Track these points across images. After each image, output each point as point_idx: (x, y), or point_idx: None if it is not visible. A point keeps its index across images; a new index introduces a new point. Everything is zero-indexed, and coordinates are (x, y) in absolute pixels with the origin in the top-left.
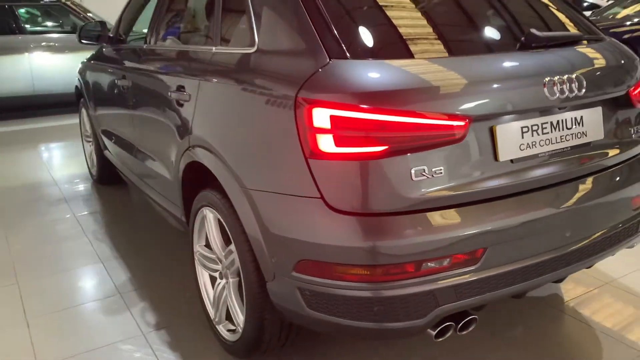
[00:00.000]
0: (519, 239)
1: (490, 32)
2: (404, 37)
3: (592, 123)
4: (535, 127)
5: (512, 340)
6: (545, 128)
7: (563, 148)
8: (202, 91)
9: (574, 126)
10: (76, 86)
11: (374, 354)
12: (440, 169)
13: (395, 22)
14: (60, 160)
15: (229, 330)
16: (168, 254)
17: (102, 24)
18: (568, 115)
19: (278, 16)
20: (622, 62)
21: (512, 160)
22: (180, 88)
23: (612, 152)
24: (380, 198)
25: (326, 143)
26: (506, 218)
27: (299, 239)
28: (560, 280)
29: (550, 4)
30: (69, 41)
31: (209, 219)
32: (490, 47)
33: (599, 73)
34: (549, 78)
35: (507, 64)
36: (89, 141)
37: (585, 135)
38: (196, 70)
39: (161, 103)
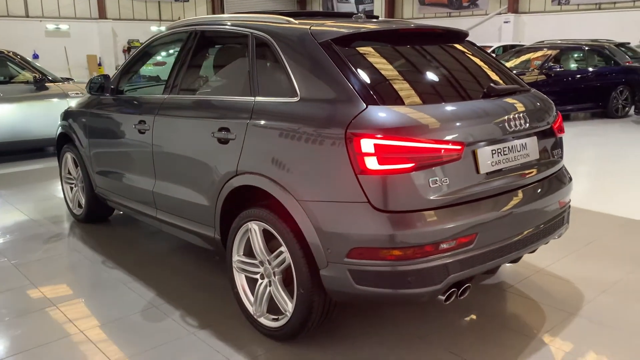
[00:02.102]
0: (496, 227)
1: (468, 86)
2: (415, 89)
3: (531, 147)
4: (499, 150)
5: (478, 314)
6: (505, 151)
7: (516, 165)
8: (250, 131)
9: (521, 150)
10: (61, 133)
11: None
12: (446, 179)
13: (406, 78)
14: (33, 204)
15: (273, 320)
16: (181, 271)
17: (106, 77)
18: (517, 142)
19: (316, 74)
20: (545, 105)
21: (487, 173)
22: (224, 129)
23: (544, 168)
24: (409, 200)
25: (371, 163)
26: (487, 212)
27: (352, 232)
28: (516, 261)
29: (497, 67)
30: (8, 91)
31: (254, 231)
32: (468, 96)
33: (533, 113)
34: (507, 116)
35: (482, 107)
36: (71, 183)
37: (529, 156)
38: (240, 115)
39: (198, 142)
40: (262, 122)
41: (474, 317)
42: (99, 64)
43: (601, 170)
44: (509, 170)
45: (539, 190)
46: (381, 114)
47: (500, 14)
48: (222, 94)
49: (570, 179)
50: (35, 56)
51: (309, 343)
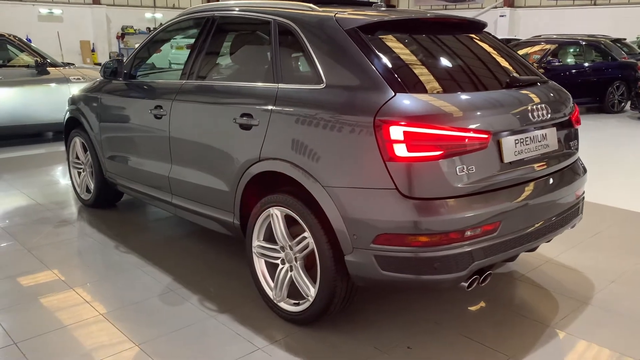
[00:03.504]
0: (518, 215)
1: (490, 76)
2: (441, 78)
3: (551, 138)
4: (522, 140)
5: (491, 301)
6: (527, 141)
7: (536, 155)
8: (274, 117)
9: (542, 140)
10: (69, 117)
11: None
12: (472, 167)
13: (431, 67)
14: (39, 188)
15: (294, 304)
16: (196, 255)
17: (119, 61)
18: (538, 133)
19: (343, 61)
20: (563, 96)
21: (510, 163)
22: (246, 115)
23: (562, 159)
24: (437, 187)
25: (400, 150)
26: (510, 201)
27: (379, 219)
28: (533, 250)
29: (515, 58)
30: (9, 75)
31: (276, 216)
32: (491, 85)
33: (553, 104)
34: (530, 107)
35: (506, 97)
36: (79, 168)
37: (548, 147)
38: (264, 102)
39: (218, 127)
40: (287, 108)
41: (488, 304)
42: (92, 50)
43: (601, 165)
44: (530, 160)
45: (558, 180)
46: (410, 101)
47: (496, 7)
48: (243, 81)
49: (585, 170)
50: (28, 41)
51: (329, 327)
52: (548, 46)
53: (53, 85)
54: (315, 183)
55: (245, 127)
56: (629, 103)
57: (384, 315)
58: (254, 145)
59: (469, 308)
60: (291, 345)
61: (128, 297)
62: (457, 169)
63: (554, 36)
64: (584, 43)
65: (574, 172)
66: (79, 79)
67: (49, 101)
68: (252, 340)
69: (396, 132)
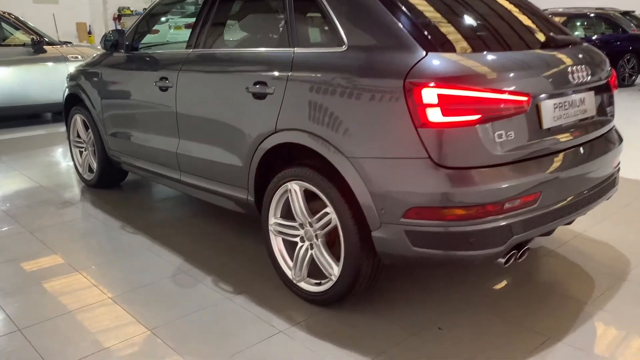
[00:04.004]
0: (558, 185)
1: (525, 35)
2: (473, 36)
3: (589, 103)
4: (560, 104)
5: (520, 278)
6: (566, 105)
7: (575, 121)
8: (290, 85)
9: (580, 105)
10: (69, 94)
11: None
12: (511, 133)
13: (463, 25)
14: (39, 169)
15: (315, 284)
16: (206, 235)
17: (120, 32)
18: (576, 97)
19: (366, 19)
20: (601, 59)
21: (549, 129)
22: (260, 83)
23: (599, 125)
24: (474, 155)
25: (434, 115)
26: (550, 170)
27: (409, 191)
28: (570, 223)
29: (547, 18)
30: (4, 54)
31: (295, 191)
32: (527, 45)
33: (591, 66)
34: (568, 68)
35: (544, 57)
36: (81, 147)
37: (586, 112)
38: (279, 68)
39: (229, 97)
40: (305, 74)
41: (518, 282)
42: (89, 32)
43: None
44: (568, 127)
45: (596, 149)
46: (443, 61)
47: None
48: (256, 46)
49: (621, 139)
50: None
51: (353, 308)
52: (557, 19)
53: (50, 64)
54: (338, 154)
55: (259, 96)
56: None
57: (410, 294)
58: (269, 116)
59: (498, 286)
60: (314, 327)
61: (137, 280)
62: (496, 135)
63: (561, 9)
64: (593, 15)
65: (610, 141)
66: (76, 57)
67: (47, 81)
68: (271, 322)
69: (429, 95)
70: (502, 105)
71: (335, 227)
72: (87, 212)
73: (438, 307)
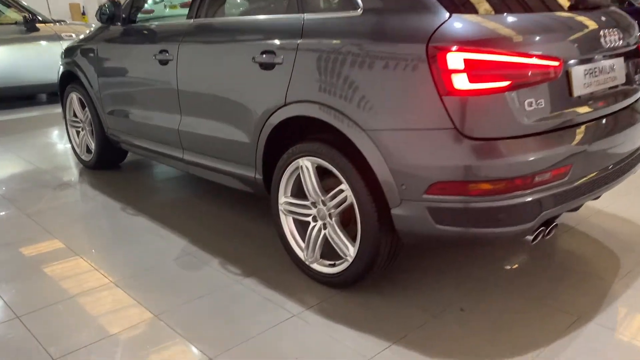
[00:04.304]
0: (588, 158)
1: None
2: None
3: (619, 69)
4: (591, 71)
5: (541, 254)
6: (596, 72)
7: (604, 88)
8: (301, 53)
9: (610, 72)
10: (64, 72)
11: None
12: (541, 102)
13: None
14: (35, 151)
15: (329, 266)
16: (211, 216)
17: (116, 4)
18: (606, 63)
19: None
20: (630, 23)
21: (579, 97)
22: (267, 53)
23: (630, 94)
24: (502, 125)
25: (460, 82)
26: (581, 141)
27: (433, 165)
28: (597, 197)
29: None
30: None
31: (306, 168)
32: (555, 7)
33: (621, 31)
34: (599, 32)
35: (573, 20)
36: (78, 127)
37: (616, 79)
38: (288, 35)
39: (234, 69)
40: (316, 41)
41: (540, 260)
42: (83, 13)
43: None
44: (598, 95)
45: (626, 119)
46: (468, 23)
47: None
48: (262, 13)
49: None
50: None
51: (369, 290)
52: None
53: (44, 43)
54: (355, 127)
55: (267, 67)
56: None
57: (427, 274)
58: (278, 88)
59: (518, 264)
60: (329, 310)
61: (140, 263)
62: (526, 103)
63: None
64: None
65: (638, 111)
66: (71, 36)
67: (40, 60)
68: (284, 306)
69: (455, 60)
70: (532, 71)
71: (351, 205)
72: (85, 195)
73: (458, 287)
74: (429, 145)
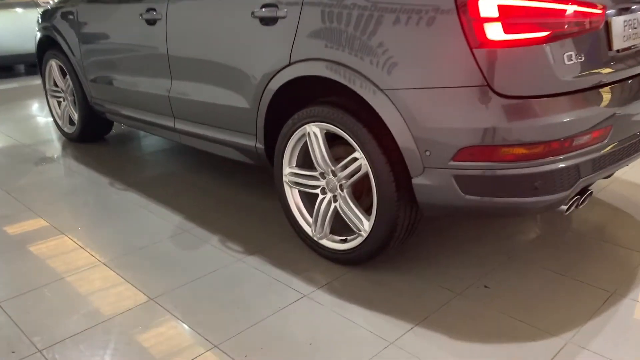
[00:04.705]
0: (628, 118)
1: None
2: None
3: None
4: (630, 22)
5: (564, 225)
6: (634, 23)
7: None
8: (308, 5)
9: None
10: (41, 38)
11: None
12: (582, 55)
13: None
14: (13, 124)
15: (340, 241)
16: (207, 191)
17: None
18: None
19: None
20: None
21: (618, 51)
22: (269, 6)
23: None
24: (540, 81)
25: (494, 32)
26: (622, 100)
27: (461, 127)
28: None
29: None
30: None
31: (314, 135)
32: None
33: None
34: None
35: None
36: (59, 97)
37: None
38: None
39: (231, 25)
40: None
41: (564, 232)
42: None
43: None
44: (637, 50)
45: None
46: None
47: None
48: None
49: None
50: None
51: (385, 267)
52: None
53: (19, 10)
54: (371, 87)
55: (269, 22)
56: None
57: (446, 248)
58: (281, 45)
59: (539, 236)
60: (341, 290)
61: (133, 242)
62: (565, 57)
63: None
64: None
65: None
66: (47, 2)
67: (16, 29)
68: (292, 285)
69: (488, 6)
70: (574, 20)
71: (365, 175)
72: (70, 169)
73: (479, 262)
74: (457, 106)
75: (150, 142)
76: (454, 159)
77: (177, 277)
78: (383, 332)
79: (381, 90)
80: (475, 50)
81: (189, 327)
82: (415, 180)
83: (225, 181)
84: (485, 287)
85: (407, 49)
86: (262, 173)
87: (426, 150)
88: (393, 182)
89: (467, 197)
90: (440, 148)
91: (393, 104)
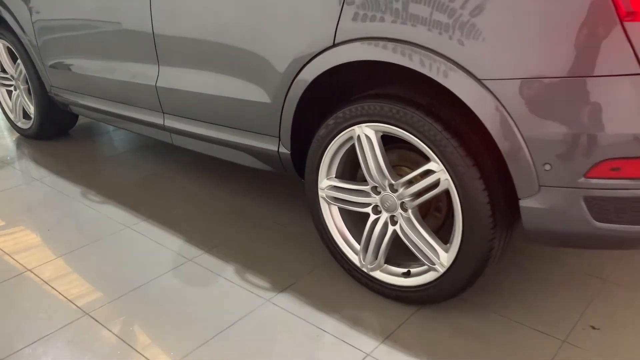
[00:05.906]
0: None
1: None
2: None
3: None
4: None
5: None
6: None
7: None
8: None
9: None
10: None
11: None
12: None
13: None
14: None
15: (403, 275)
16: (195, 197)
17: None
18: None
19: None
20: None
21: None
22: None
23: None
24: None
25: None
26: None
27: (602, 132)
28: None
29: None
30: None
31: (366, 139)
32: None
33: None
34: None
35: None
36: (9, 85)
37: None
38: None
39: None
40: None
41: None
42: None
43: None
44: None
45: None
46: None
47: None
48: None
49: None
50: None
51: (455, 309)
52: None
53: None
54: (461, 75)
55: None
56: None
57: (527, 282)
58: (321, 18)
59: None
60: (411, 343)
61: (122, 280)
62: None
63: None
64: None
65: None
66: None
67: None
68: (346, 339)
69: None
70: None
71: (444, 193)
72: (29, 176)
73: (577, 296)
74: (597, 102)
75: (124, 136)
76: (587, 174)
77: (193, 333)
78: None
79: (478, 80)
80: (626, 24)
81: None
82: (524, 203)
83: (221, 182)
84: (592, 327)
85: (520, 22)
86: (272, 177)
87: (545, 163)
88: (488, 203)
89: (599, 225)
90: (569, 160)
91: (497, 98)
